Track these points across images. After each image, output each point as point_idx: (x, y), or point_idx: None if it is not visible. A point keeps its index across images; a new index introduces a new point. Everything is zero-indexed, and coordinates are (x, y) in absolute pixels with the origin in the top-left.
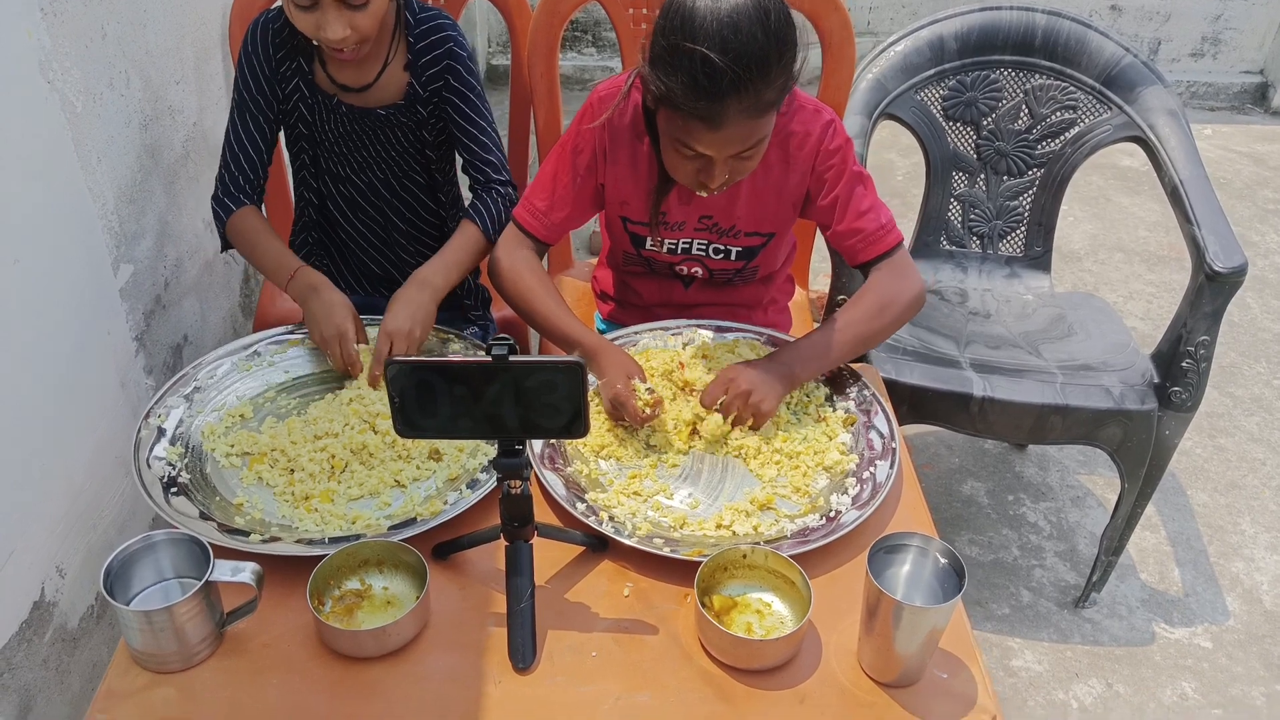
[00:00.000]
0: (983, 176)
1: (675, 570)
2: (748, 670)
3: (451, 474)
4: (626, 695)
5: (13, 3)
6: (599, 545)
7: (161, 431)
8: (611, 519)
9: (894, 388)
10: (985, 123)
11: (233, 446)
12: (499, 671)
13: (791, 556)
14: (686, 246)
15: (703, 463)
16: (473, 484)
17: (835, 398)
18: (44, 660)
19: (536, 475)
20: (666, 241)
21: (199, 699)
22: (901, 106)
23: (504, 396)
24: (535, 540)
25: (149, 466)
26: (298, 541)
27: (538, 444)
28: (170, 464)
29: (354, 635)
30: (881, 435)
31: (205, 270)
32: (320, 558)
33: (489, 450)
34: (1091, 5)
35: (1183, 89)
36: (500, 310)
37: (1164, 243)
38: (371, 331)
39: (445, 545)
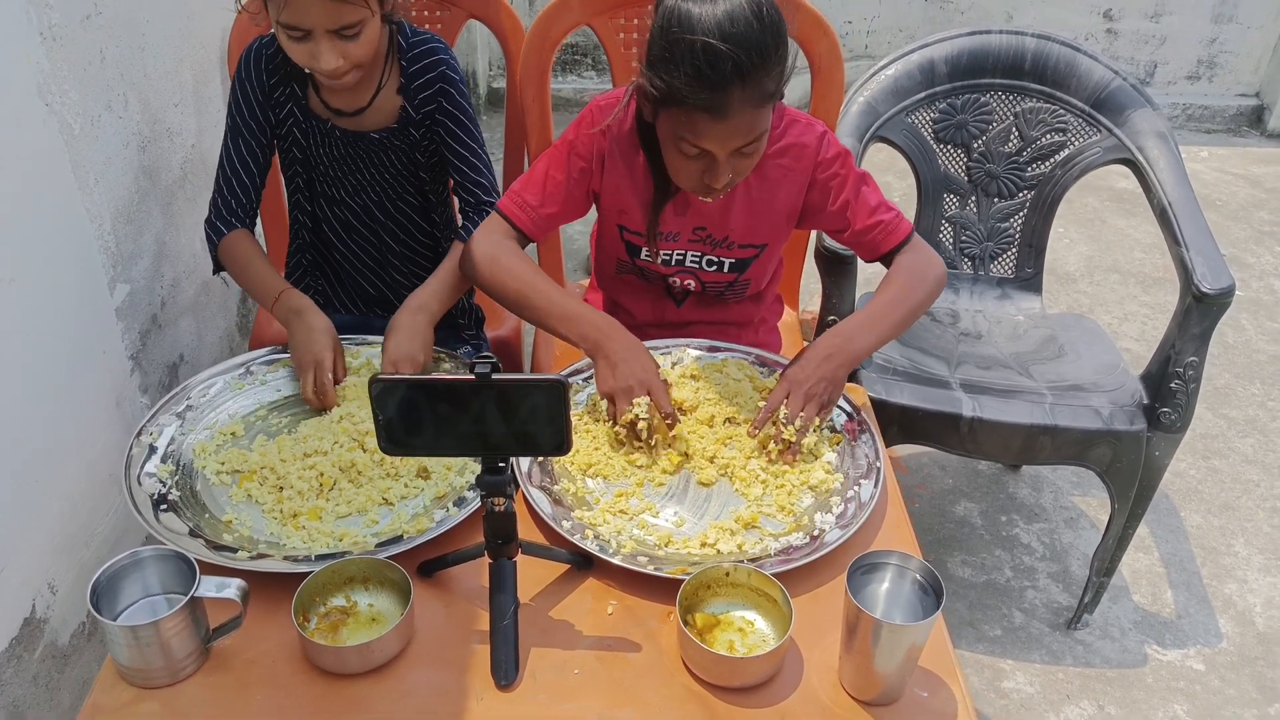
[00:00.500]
0: (974, 198)
1: (660, 588)
2: (729, 688)
3: (439, 492)
4: (608, 712)
5: (13, 28)
6: (584, 563)
7: (153, 449)
8: (597, 537)
9: (884, 408)
10: (976, 145)
11: (223, 464)
12: (481, 688)
13: (775, 575)
14: (680, 258)
15: (689, 481)
16: (460, 502)
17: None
18: (34, 676)
19: (523, 493)
20: (661, 252)
21: (184, 714)
22: (892, 129)
23: (487, 414)
24: (520, 558)
25: (139, 484)
26: (284, 558)
27: (525, 462)
28: (161, 481)
29: (338, 651)
30: (867, 455)
31: (202, 290)
32: (306, 574)
33: (477, 468)
34: (1088, 28)
35: (1179, 111)
36: (494, 330)
37: (1159, 264)
38: (367, 350)
39: (431, 563)
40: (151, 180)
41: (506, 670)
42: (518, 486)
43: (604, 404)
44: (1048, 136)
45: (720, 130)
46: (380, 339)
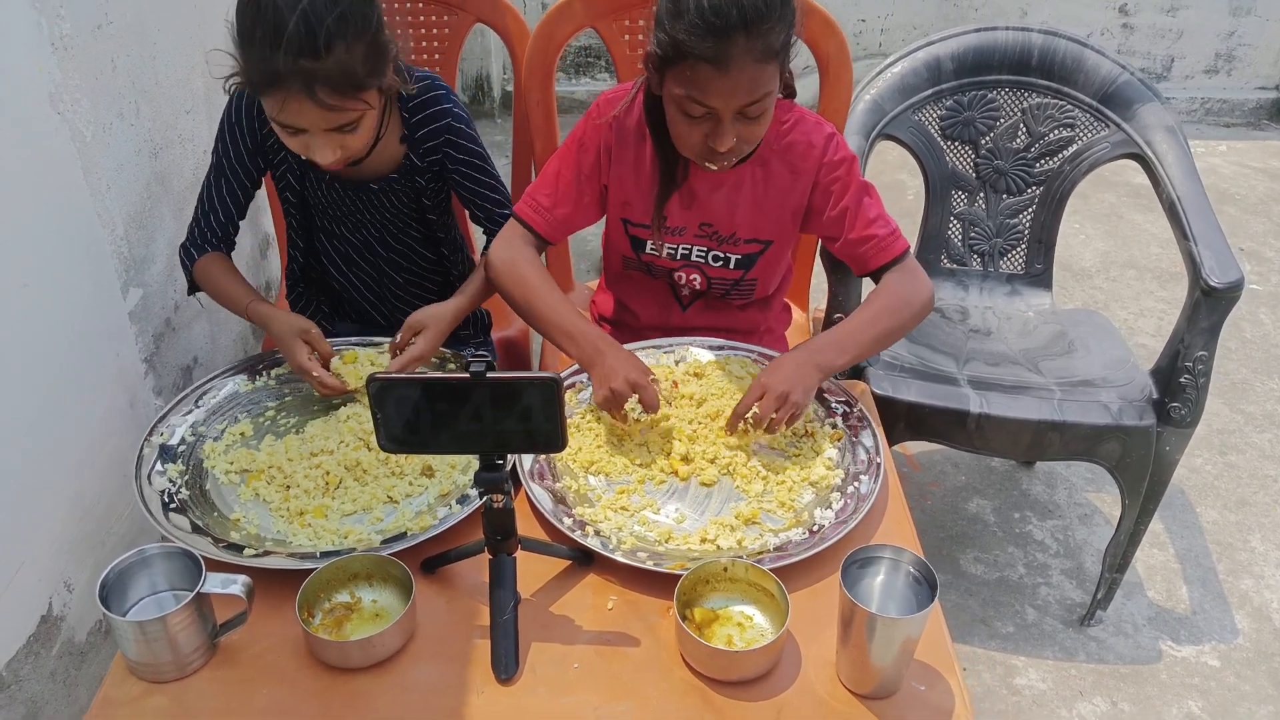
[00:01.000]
0: (982, 195)
1: (659, 584)
2: (727, 681)
3: (443, 490)
4: (606, 706)
5: (24, 39)
6: (584, 559)
7: (164, 449)
8: (598, 533)
9: (891, 404)
10: (983, 142)
11: (232, 464)
12: (482, 682)
13: (774, 570)
14: (686, 252)
15: (691, 480)
16: (463, 499)
17: (824, 414)
18: (51, 673)
19: (525, 490)
20: (666, 246)
21: (191, 708)
22: (899, 127)
23: (483, 412)
24: (521, 554)
25: (150, 483)
26: (290, 555)
27: (528, 459)
28: (171, 480)
29: (341, 646)
30: (868, 451)
31: None
32: (311, 571)
33: None
34: (1103, 24)
35: (1196, 106)
36: (503, 330)
37: (1176, 260)
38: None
39: (433, 559)
40: (164, 186)
41: (506, 664)
42: (519, 484)
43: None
44: (1055, 132)
45: (724, 85)
46: (382, 339)
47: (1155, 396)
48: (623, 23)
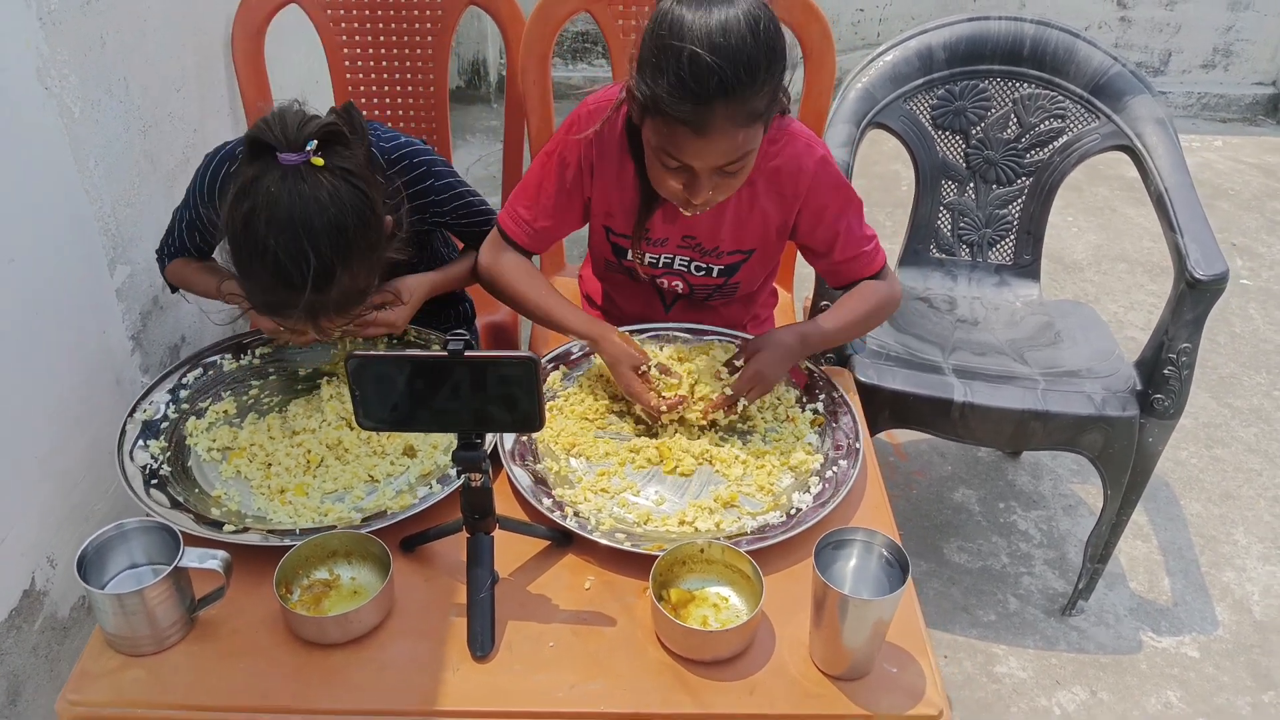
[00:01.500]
0: (972, 185)
1: (637, 564)
2: (701, 661)
3: (424, 470)
4: (581, 684)
5: (12, 13)
6: (563, 539)
7: (147, 426)
8: (577, 514)
9: (876, 392)
10: (974, 132)
11: (214, 441)
12: (458, 659)
13: (750, 552)
14: (669, 261)
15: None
16: (444, 479)
17: (805, 399)
18: (33, 648)
19: (506, 470)
20: (648, 255)
21: (168, 681)
22: (890, 116)
23: (461, 390)
24: (500, 534)
25: (132, 459)
26: (269, 532)
27: (509, 440)
28: (153, 457)
29: (318, 622)
30: (847, 436)
31: None
32: (289, 548)
33: None
34: (1101, 17)
35: (1193, 100)
36: (491, 315)
37: (1168, 254)
38: None
39: (412, 538)
40: (153, 164)
41: (482, 642)
42: (500, 464)
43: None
44: (1046, 123)
45: (701, 146)
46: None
47: (1139, 388)
48: (617, 7)
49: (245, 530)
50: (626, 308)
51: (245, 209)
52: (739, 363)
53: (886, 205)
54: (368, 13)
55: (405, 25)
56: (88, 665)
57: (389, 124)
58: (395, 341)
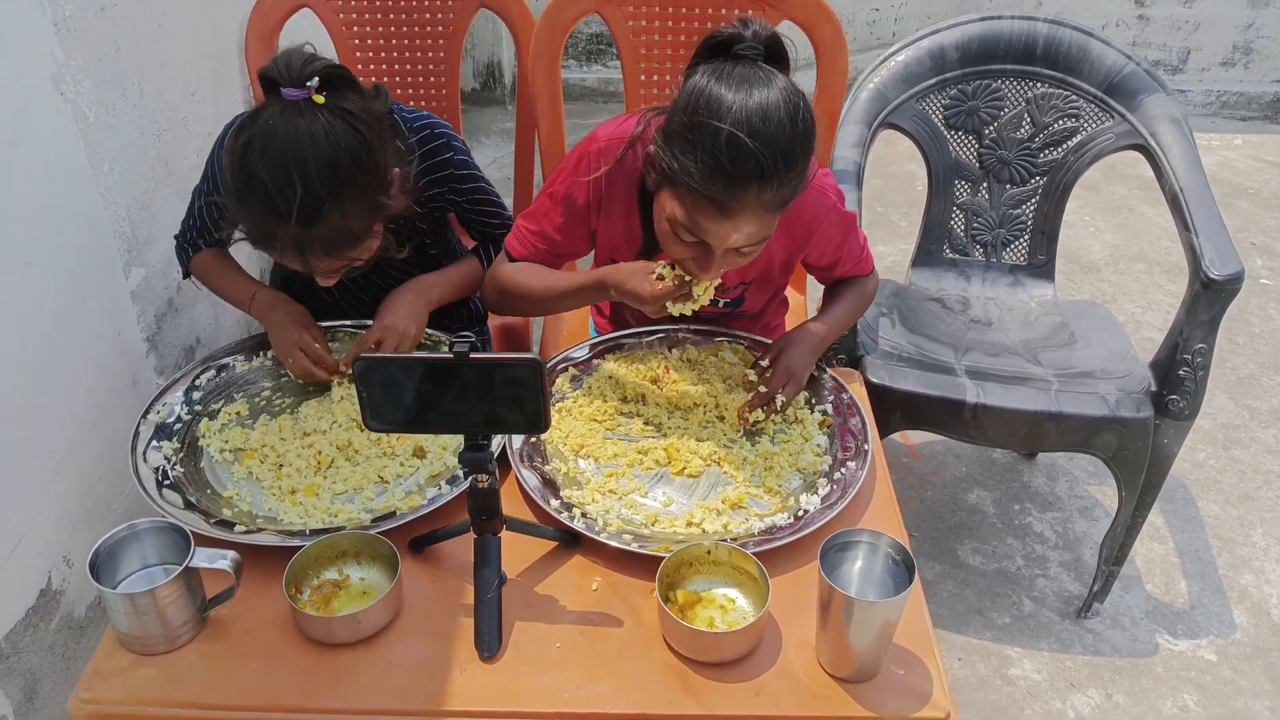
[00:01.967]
0: (985, 185)
1: (644, 566)
2: (707, 663)
3: (434, 471)
4: (587, 684)
5: (28, 20)
6: (570, 541)
7: (161, 427)
8: (584, 515)
9: (888, 394)
10: (987, 131)
11: (226, 443)
12: (465, 660)
13: (757, 554)
14: None
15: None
16: (453, 480)
17: (814, 401)
18: (50, 646)
19: (514, 471)
20: None
21: (179, 680)
22: (902, 116)
23: (467, 392)
24: (508, 535)
25: (145, 460)
26: (279, 532)
27: (517, 441)
28: (166, 458)
29: (327, 622)
30: (856, 437)
31: None
32: (299, 548)
33: None
34: (1119, 15)
35: (1212, 99)
36: (499, 318)
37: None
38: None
39: (420, 538)
40: (167, 167)
41: (489, 642)
42: (508, 465)
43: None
44: (1060, 122)
45: (724, 228)
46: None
47: (1154, 389)
48: (627, 9)
49: (256, 531)
50: (634, 319)
51: (243, 139)
52: (765, 362)
53: (902, 205)
54: (380, 15)
55: (417, 28)
56: (100, 664)
57: None
58: None
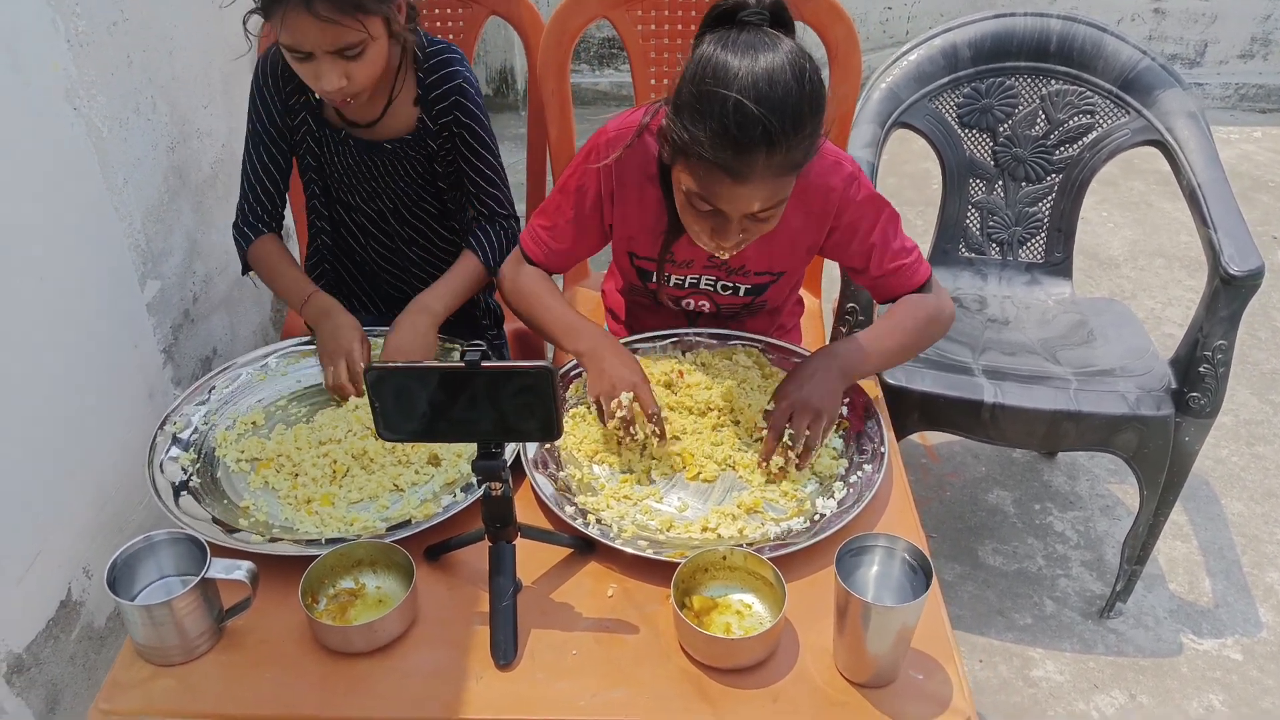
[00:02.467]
0: (1000, 183)
1: (659, 572)
2: (723, 669)
3: (449, 478)
4: (603, 692)
5: (40, 36)
6: (586, 547)
7: (177, 438)
8: (599, 521)
9: (905, 395)
10: (1002, 129)
11: (243, 453)
12: (481, 668)
13: (773, 559)
14: (694, 282)
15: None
16: (468, 488)
17: None
18: (71, 657)
19: (528, 478)
20: (674, 277)
21: (197, 690)
22: (915, 115)
23: (479, 401)
24: (523, 542)
25: (162, 471)
26: (294, 542)
27: (531, 448)
28: (183, 469)
29: (343, 631)
30: (872, 440)
31: (235, 286)
32: (315, 557)
33: None
34: (1134, 8)
35: (1231, 91)
36: (514, 324)
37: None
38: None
39: (435, 547)
40: (181, 180)
41: (505, 650)
42: (523, 472)
43: (594, 408)
44: (1075, 119)
45: (738, 194)
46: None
47: (1174, 386)
48: (635, 13)
49: (273, 540)
50: (650, 325)
51: None
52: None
53: (918, 204)
54: None
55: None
56: (119, 675)
57: None
58: None
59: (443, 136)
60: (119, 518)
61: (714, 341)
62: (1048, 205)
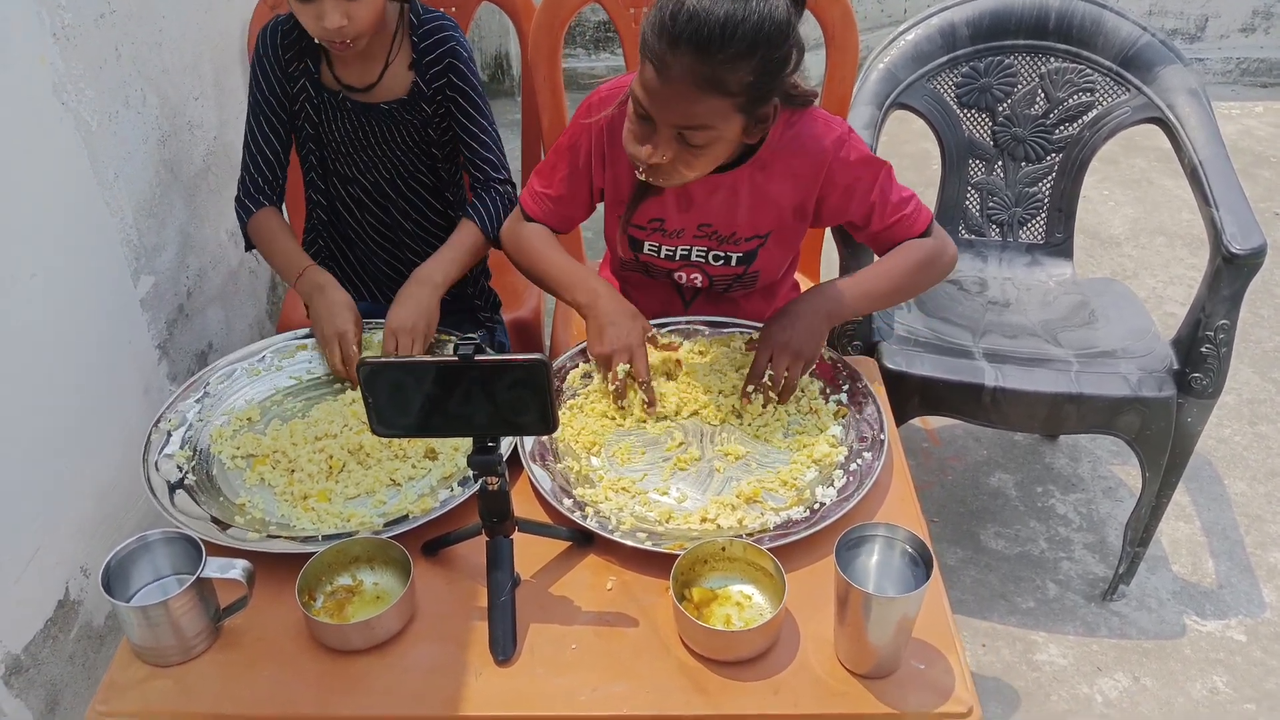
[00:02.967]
0: (1000, 163)
1: (658, 564)
2: (724, 661)
3: (446, 473)
4: (603, 686)
5: (26, 30)
6: (584, 540)
7: (171, 435)
8: (598, 514)
9: (905, 380)
10: (1001, 109)
11: (238, 449)
12: (480, 663)
13: (774, 549)
14: (685, 253)
15: (694, 458)
16: (465, 482)
17: (829, 390)
18: (70, 656)
19: (526, 471)
20: (664, 248)
21: (194, 690)
22: (914, 95)
23: (473, 395)
24: (521, 536)
25: (157, 469)
26: (290, 539)
27: (529, 440)
28: (178, 466)
29: (340, 629)
30: (872, 427)
31: (229, 279)
32: (312, 554)
33: None
34: None
35: (1232, 66)
36: (515, 311)
37: None
38: (379, 336)
39: (433, 542)
40: (173, 173)
41: (504, 646)
42: (520, 465)
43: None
44: (1075, 97)
45: (660, 92)
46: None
47: (1176, 367)
48: None
49: (269, 538)
50: (645, 305)
51: None
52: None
53: (918, 185)
54: None
55: None
56: (116, 676)
57: None
58: None
59: (437, 100)
60: (117, 515)
61: (712, 329)
62: (1048, 185)
